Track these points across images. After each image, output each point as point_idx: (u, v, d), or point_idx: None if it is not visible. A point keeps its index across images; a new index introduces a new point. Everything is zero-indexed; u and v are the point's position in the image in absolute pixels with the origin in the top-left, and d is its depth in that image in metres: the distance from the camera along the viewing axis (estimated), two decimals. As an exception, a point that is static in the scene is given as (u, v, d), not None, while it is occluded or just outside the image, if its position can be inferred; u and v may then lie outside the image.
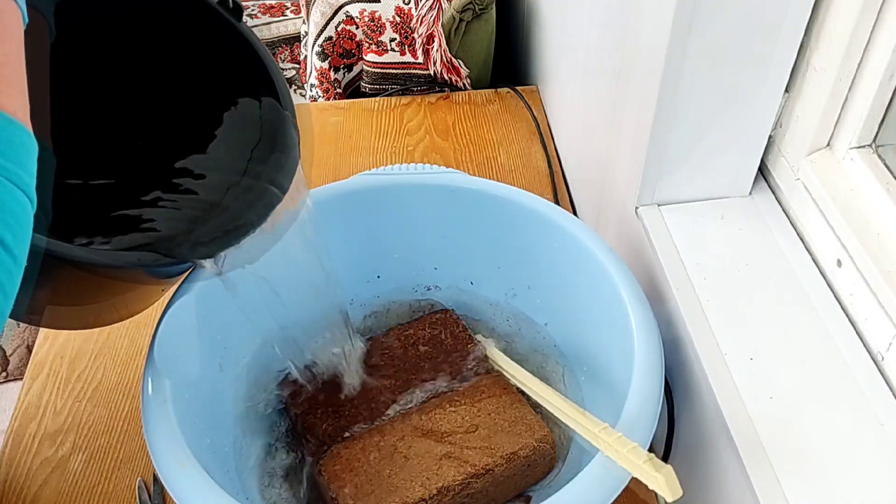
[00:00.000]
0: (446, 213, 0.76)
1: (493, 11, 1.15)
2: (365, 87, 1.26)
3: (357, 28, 1.22)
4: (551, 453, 0.66)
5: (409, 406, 0.69)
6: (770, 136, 0.65)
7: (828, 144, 0.62)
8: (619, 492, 0.51)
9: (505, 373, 0.71)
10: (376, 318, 0.79)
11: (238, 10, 0.68)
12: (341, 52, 1.25)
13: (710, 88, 0.60)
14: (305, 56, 1.35)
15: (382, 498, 0.61)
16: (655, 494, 0.69)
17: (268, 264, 0.61)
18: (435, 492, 0.61)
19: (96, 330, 0.84)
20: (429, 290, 0.81)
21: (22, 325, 1.81)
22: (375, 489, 0.62)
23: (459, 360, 0.73)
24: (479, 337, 0.75)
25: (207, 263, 0.56)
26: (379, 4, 1.19)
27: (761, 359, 0.56)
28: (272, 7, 1.66)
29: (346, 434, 0.67)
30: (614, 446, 0.52)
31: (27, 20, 0.40)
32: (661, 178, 0.67)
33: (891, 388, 0.53)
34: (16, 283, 0.37)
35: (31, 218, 0.38)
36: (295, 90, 1.55)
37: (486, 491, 0.63)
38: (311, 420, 0.68)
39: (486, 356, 0.73)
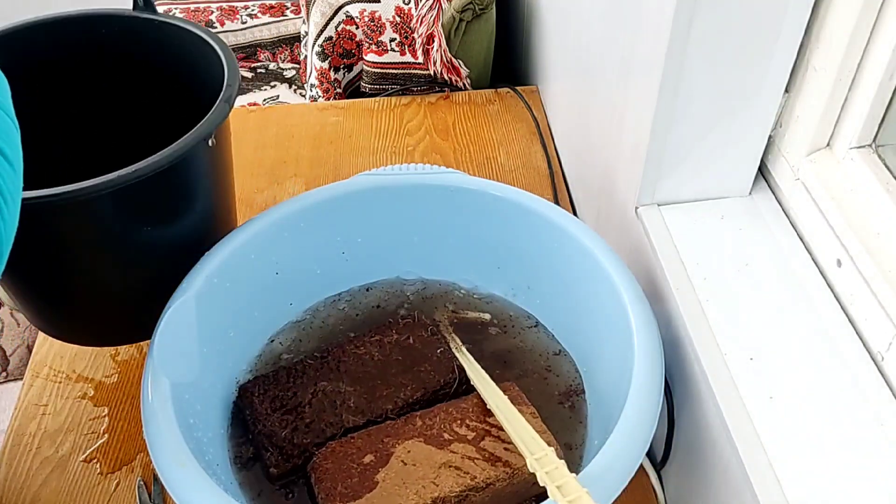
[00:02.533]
0: (446, 213, 0.76)
1: (493, 11, 1.15)
2: (365, 87, 1.26)
3: (357, 28, 1.22)
4: None
5: (375, 412, 0.67)
6: (770, 136, 0.65)
7: (828, 144, 0.62)
8: (617, 494, 0.51)
9: (473, 382, 0.68)
10: (373, 318, 0.79)
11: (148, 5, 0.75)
12: (341, 52, 1.25)
13: (710, 88, 0.60)
14: (305, 56, 1.35)
15: (373, 502, 0.59)
16: (655, 496, 0.69)
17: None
18: (430, 501, 0.59)
19: (96, 330, 0.84)
20: (428, 289, 0.81)
21: (22, 325, 1.81)
22: (366, 492, 0.60)
23: (428, 367, 0.71)
24: (453, 345, 0.73)
25: None
26: (379, 4, 1.19)
27: (761, 359, 0.56)
28: (272, 7, 1.66)
29: (307, 440, 0.65)
30: (544, 469, 0.52)
31: None
32: (661, 178, 0.67)
33: (891, 388, 0.53)
34: (17, 192, 0.42)
35: (18, 134, 0.44)
36: (295, 90, 1.56)
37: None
38: (269, 427, 0.66)
39: (456, 360, 0.71)
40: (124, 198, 0.61)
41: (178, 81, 0.77)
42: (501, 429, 0.64)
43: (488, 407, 0.65)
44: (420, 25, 1.16)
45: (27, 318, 0.78)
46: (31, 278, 0.68)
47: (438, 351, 0.72)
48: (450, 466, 0.62)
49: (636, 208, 0.69)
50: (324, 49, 1.24)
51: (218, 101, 0.65)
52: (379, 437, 0.64)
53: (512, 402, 0.66)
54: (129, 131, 0.81)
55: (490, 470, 0.61)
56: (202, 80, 0.71)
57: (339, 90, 1.28)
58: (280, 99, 1.52)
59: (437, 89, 1.20)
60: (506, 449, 0.63)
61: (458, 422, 0.65)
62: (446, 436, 0.64)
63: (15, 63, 0.68)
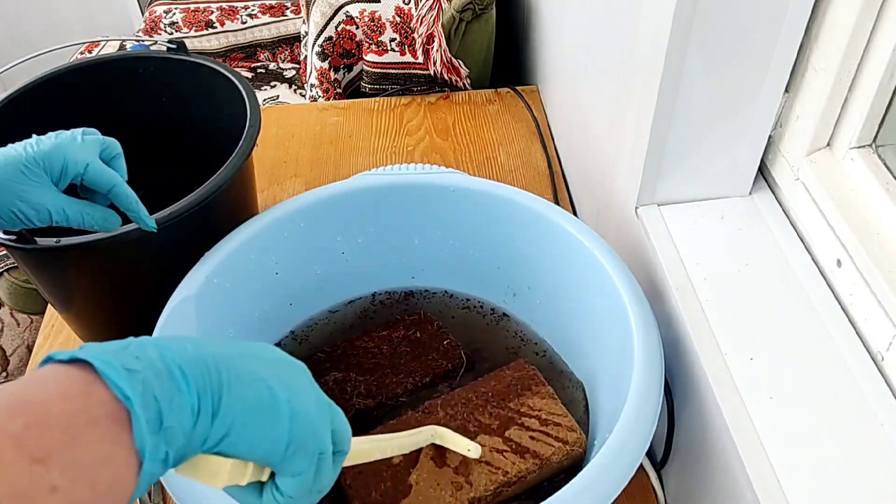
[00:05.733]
0: (446, 213, 0.76)
1: (493, 11, 1.15)
2: (365, 87, 1.26)
3: (357, 28, 1.22)
4: (581, 455, 0.65)
5: (385, 395, 0.69)
6: (770, 136, 0.65)
7: (828, 144, 0.62)
8: (617, 494, 0.51)
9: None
10: (373, 317, 0.79)
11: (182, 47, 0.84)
12: (341, 52, 1.25)
13: (710, 88, 0.60)
14: (305, 56, 1.35)
15: None
16: (655, 496, 0.69)
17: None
18: (467, 502, 0.60)
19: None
20: (428, 289, 0.81)
21: (22, 325, 1.81)
22: (402, 497, 0.60)
23: (436, 356, 0.73)
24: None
25: None
26: (379, 4, 1.19)
27: (761, 359, 0.56)
28: (272, 7, 1.66)
29: None
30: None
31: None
32: (661, 178, 0.67)
33: (891, 388, 0.53)
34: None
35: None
36: (295, 90, 1.56)
37: (516, 495, 0.62)
38: None
39: (462, 348, 0.73)
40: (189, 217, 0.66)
41: (205, 114, 0.84)
42: (524, 415, 0.65)
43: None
44: (420, 25, 1.16)
45: (75, 332, 0.83)
46: (97, 300, 0.76)
47: (445, 342, 0.74)
48: (480, 462, 0.62)
49: (636, 208, 0.69)
50: (324, 49, 1.24)
51: (238, 149, 0.72)
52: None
53: (529, 381, 0.68)
54: (160, 157, 0.90)
55: (520, 463, 0.62)
56: (227, 114, 0.78)
57: (339, 90, 1.28)
58: (280, 99, 1.52)
59: (437, 89, 1.20)
60: (532, 438, 0.64)
61: (480, 409, 0.66)
62: (471, 427, 0.64)
63: (62, 98, 0.81)
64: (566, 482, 0.49)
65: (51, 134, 0.58)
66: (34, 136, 0.58)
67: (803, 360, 0.56)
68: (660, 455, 0.69)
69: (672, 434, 0.66)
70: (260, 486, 0.39)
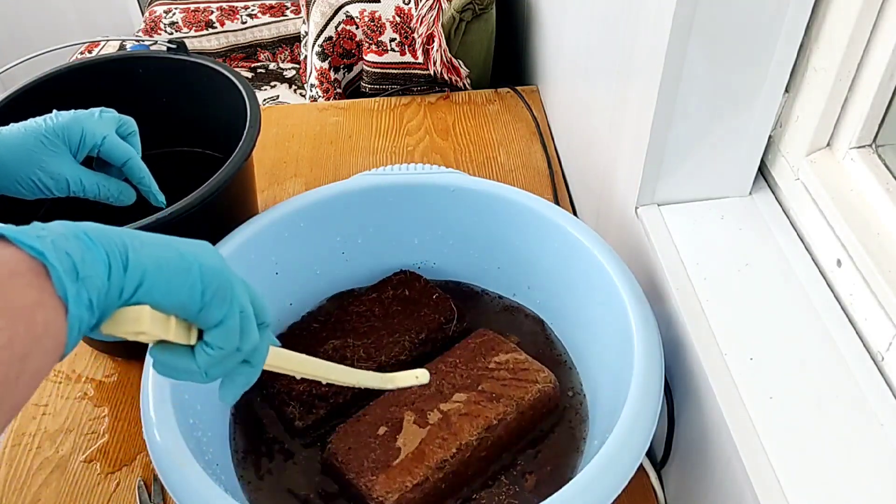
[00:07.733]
0: (446, 213, 0.76)
1: (493, 11, 1.15)
2: (365, 87, 1.26)
3: (357, 28, 1.22)
4: (552, 393, 0.68)
5: (385, 356, 0.71)
6: (770, 136, 0.65)
7: (828, 144, 0.62)
8: (617, 494, 0.51)
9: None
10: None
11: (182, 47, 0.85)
12: (341, 52, 1.25)
13: (710, 88, 0.60)
14: (305, 56, 1.35)
15: (407, 468, 0.61)
16: (655, 496, 0.69)
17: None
18: (454, 451, 0.62)
19: (96, 330, 0.85)
20: (429, 290, 0.81)
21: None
22: (393, 459, 0.62)
23: (427, 311, 0.75)
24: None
25: None
26: (379, 4, 1.19)
27: (761, 359, 0.56)
28: (272, 7, 1.66)
29: (326, 390, 0.68)
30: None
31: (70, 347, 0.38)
32: (661, 178, 0.67)
33: (891, 388, 0.53)
34: None
35: None
36: (295, 90, 1.56)
37: (500, 440, 0.65)
38: (287, 385, 0.69)
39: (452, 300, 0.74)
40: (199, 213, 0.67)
41: (205, 114, 0.84)
42: (493, 370, 0.68)
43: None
44: (420, 25, 1.16)
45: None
46: None
47: (434, 296, 0.76)
48: (460, 415, 0.64)
49: (636, 208, 0.69)
50: (324, 49, 1.24)
51: (238, 149, 0.71)
52: (385, 408, 0.66)
53: (491, 342, 0.71)
54: (159, 157, 0.88)
55: (497, 406, 0.65)
56: (227, 114, 0.78)
57: (339, 90, 1.28)
58: (280, 99, 1.52)
59: (437, 89, 1.20)
60: (503, 385, 0.67)
61: (451, 374, 0.68)
62: (446, 389, 0.67)
63: (62, 98, 0.78)
64: (547, 428, 0.55)
65: (70, 110, 0.61)
66: (54, 110, 0.61)
67: (803, 360, 0.56)
68: (660, 455, 0.69)
69: (672, 434, 0.66)
70: (191, 350, 0.42)
